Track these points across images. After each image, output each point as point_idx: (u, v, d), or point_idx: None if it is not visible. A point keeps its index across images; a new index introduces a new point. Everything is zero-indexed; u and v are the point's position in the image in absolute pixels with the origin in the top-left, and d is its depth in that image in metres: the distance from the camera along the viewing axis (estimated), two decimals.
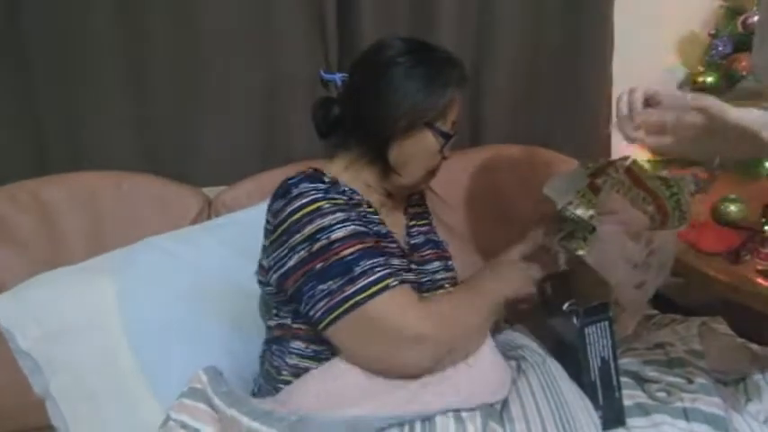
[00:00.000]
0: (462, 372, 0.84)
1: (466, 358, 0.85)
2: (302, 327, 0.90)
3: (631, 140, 0.80)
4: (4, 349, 1.00)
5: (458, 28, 1.49)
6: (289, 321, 0.91)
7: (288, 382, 0.89)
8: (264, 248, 0.93)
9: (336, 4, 1.39)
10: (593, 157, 1.04)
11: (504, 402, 0.84)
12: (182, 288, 1.07)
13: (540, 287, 0.95)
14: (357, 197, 0.94)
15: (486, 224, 1.38)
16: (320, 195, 0.86)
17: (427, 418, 0.78)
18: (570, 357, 0.85)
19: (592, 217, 0.86)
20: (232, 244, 1.14)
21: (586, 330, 0.81)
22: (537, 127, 1.61)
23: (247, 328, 1.07)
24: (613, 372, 0.82)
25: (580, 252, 0.89)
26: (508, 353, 0.94)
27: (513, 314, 0.98)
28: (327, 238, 0.83)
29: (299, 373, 0.89)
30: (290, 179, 0.89)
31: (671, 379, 0.87)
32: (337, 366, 0.85)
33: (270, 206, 0.90)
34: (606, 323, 0.82)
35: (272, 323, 0.96)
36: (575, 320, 0.82)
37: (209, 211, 1.30)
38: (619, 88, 1.64)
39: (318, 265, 0.82)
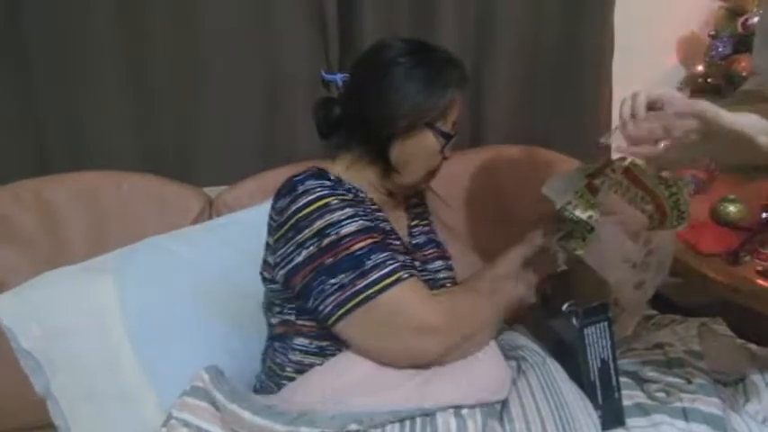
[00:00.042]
0: (464, 367, 0.85)
1: (479, 350, 0.86)
2: (306, 323, 0.90)
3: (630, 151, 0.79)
4: (6, 348, 1.00)
5: (458, 28, 1.48)
6: (293, 318, 0.91)
7: (291, 379, 0.90)
8: (268, 246, 0.93)
9: (337, 4, 1.39)
10: (593, 158, 1.04)
11: (504, 402, 0.85)
12: (183, 288, 1.07)
13: (539, 287, 0.95)
14: (362, 194, 0.95)
15: (486, 224, 1.38)
16: (327, 192, 0.86)
17: (428, 415, 0.79)
18: (570, 358, 0.86)
19: (590, 217, 0.87)
20: (233, 244, 1.14)
21: (586, 331, 0.81)
22: (537, 127, 1.61)
23: (247, 327, 1.07)
24: (613, 372, 0.82)
25: (579, 252, 0.89)
26: (508, 353, 0.94)
27: (513, 314, 0.98)
28: (337, 233, 0.83)
29: (302, 369, 0.89)
30: (295, 176, 0.89)
31: (670, 379, 0.87)
32: (342, 362, 0.85)
33: (274, 203, 0.90)
34: (605, 324, 0.82)
35: (274, 320, 0.96)
36: (574, 321, 0.82)
37: (210, 210, 1.30)
38: (619, 88, 1.65)
39: (328, 260, 0.83)
